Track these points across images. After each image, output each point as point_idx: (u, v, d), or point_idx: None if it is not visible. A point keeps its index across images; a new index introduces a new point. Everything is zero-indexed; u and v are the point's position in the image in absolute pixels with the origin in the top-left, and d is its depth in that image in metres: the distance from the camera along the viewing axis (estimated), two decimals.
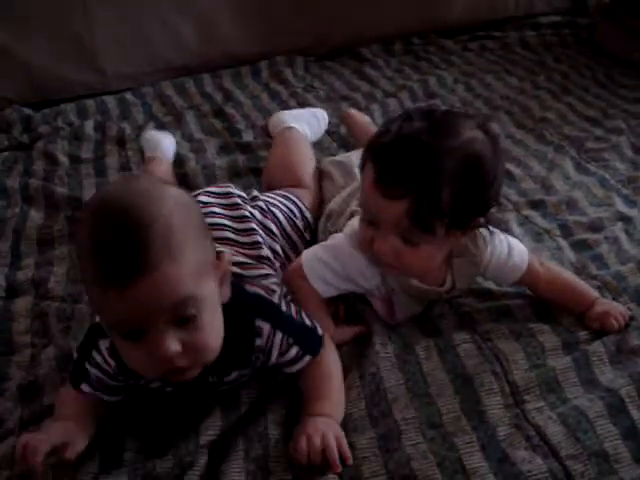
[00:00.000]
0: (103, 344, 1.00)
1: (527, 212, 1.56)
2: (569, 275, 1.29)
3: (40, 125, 2.10)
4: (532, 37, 2.66)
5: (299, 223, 1.38)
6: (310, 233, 1.41)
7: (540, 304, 1.26)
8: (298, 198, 1.44)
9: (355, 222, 1.20)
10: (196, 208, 0.98)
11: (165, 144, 1.82)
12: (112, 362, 1.01)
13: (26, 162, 1.90)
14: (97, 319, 1.04)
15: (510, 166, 1.74)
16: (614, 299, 1.26)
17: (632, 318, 1.21)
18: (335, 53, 2.58)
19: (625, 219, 1.51)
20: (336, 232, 1.28)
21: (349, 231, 1.22)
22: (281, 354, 1.05)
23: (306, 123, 1.77)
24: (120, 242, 0.84)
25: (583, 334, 1.19)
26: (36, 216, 1.65)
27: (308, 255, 1.22)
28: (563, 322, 1.22)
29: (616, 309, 1.21)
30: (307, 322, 1.10)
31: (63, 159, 1.90)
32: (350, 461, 0.97)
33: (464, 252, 1.19)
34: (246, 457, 0.99)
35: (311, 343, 1.08)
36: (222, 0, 2.43)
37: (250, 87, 2.35)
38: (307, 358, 1.07)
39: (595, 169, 1.73)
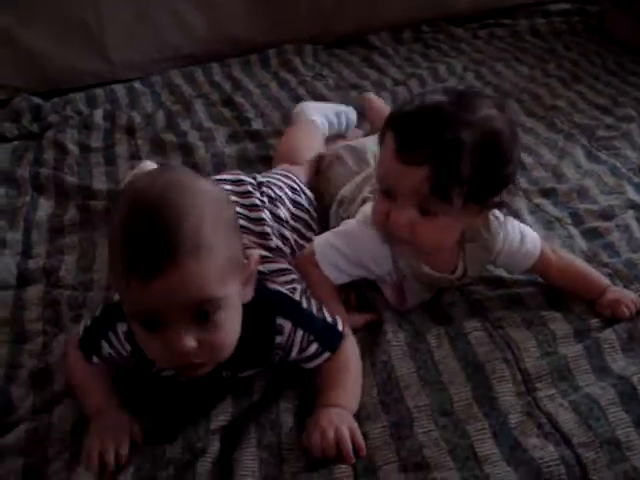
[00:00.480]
0: (121, 327, 1.01)
1: (538, 200, 1.56)
2: (581, 263, 1.29)
3: (50, 114, 2.10)
4: (542, 25, 2.64)
5: (302, 201, 1.39)
6: (314, 210, 1.41)
7: (551, 292, 1.26)
8: (296, 176, 1.45)
9: (367, 209, 1.20)
10: (229, 205, 0.97)
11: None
12: (128, 346, 1.02)
13: (36, 151, 1.90)
14: (115, 299, 1.05)
15: (521, 154, 1.73)
16: (625, 287, 1.25)
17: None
18: (344, 41, 2.56)
19: (636, 207, 1.51)
20: (348, 218, 1.28)
21: (361, 217, 1.22)
22: (301, 350, 1.05)
23: (325, 117, 1.75)
24: (149, 237, 0.84)
25: (595, 322, 1.19)
26: (46, 205, 1.66)
27: (320, 241, 1.22)
28: (575, 310, 1.22)
29: (627, 296, 1.21)
30: (328, 318, 1.09)
31: (73, 148, 1.90)
32: (364, 452, 0.97)
33: (477, 237, 1.19)
34: (259, 445, 0.99)
35: (331, 340, 1.08)
36: None
37: (259, 76, 2.35)
38: (326, 354, 1.07)
39: (606, 157, 1.73)
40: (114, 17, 2.31)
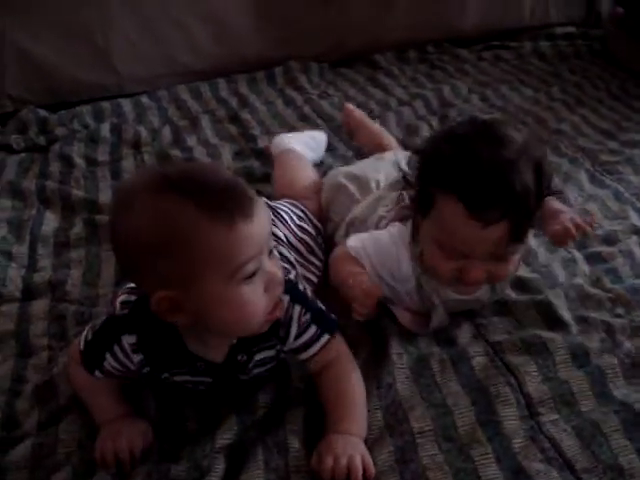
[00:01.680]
0: (127, 340, 1.03)
1: None
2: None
3: (56, 127, 2.11)
4: (546, 48, 2.66)
5: (309, 227, 1.41)
6: (322, 238, 1.43)
7: (552, 315, 1.26)
8: (304, 205, 1.47)
9: (400, 227, 1.21)
10: None
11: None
12: (136, 357, 1.03)
13: (42, 164, 1.92)
14: (117, 311, 1.05)
15: None
16: (627, 313, 1.26)
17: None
18: (350, 60, 2.59)
19: None
20: None
21: (396, 232, 1.22)
22: (299, 334, 1.07)
23: (305, 144, 1.77)
24: (226, 187, 0.92)
25: (594, 346, 1.18)
26: (53, 218, 1.67)
27: (355, 237, 1.25)
28: (572, 331, 1.22)
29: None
30: (322, 307, 1.12)
31: (79, 161, 1.92)
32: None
33: None
34: (266, 467, 0.99)
35: (328, 322, 1.10)
36: (238, 5, 2.45)
37: (265, 93, 2.36)
38: (325, 337, 1.09)
39: (610, 182, 1.73)
40: (121, 31, 2.34)
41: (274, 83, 2.43)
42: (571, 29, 2.77)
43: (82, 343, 1.07)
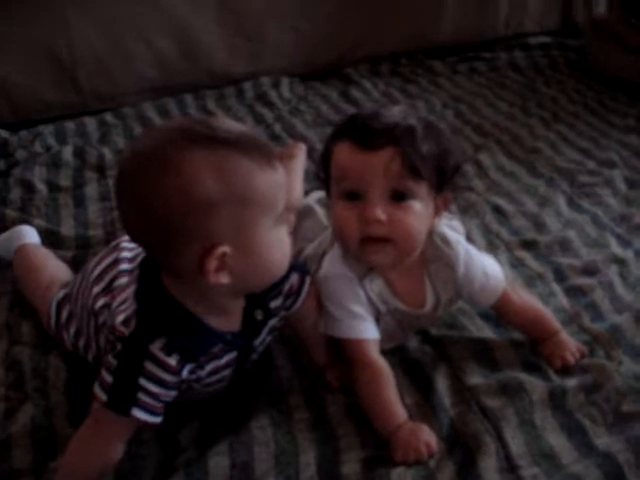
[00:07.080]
0: (155, 347, 0.94)
1: (519, 253, 1.52)
2: (537, 304, 1.30)
3: (17, 150, 2.04)
4: (522, 59, 2.64)
5: None
6: None
7: (524, 350, 1.25)
8: None
9: (328, 261, 1.22)
10: None
11: (25, 230, 1.58)
12: (172, 360, 0.95)
13: (2, 190, 1.84)
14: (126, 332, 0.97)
15: (501, 202, 1.72)
16: (607, 354, 1.23)
17: (583, 356, 1.22)
18: (321, 74, 2.54)
19: (619, 261, 1.48)
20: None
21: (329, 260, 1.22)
22: (291, 286, 1.11)
23: None
24: (250, 134, 0.95)
25: (571, 385, 1.15)
26: None
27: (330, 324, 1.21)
28: (551, 376, 1.19)
29: (572, 344, 1.23)
30: None
31: (41, 187, 1.85)
32: None
33: (437, 254, 1.20)
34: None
35: (301, 265, 1.17)
36: (205, 19, 2.40)
37: (234, 109, 2.31)
38: (307, 279, 1.14)
39: (588, 206, 1.70)
40: (86, 47, 2.28)
41: (243, 99, 2.38)
42: (546, 39, 2.75)
43: (103, 396, 0.95)
